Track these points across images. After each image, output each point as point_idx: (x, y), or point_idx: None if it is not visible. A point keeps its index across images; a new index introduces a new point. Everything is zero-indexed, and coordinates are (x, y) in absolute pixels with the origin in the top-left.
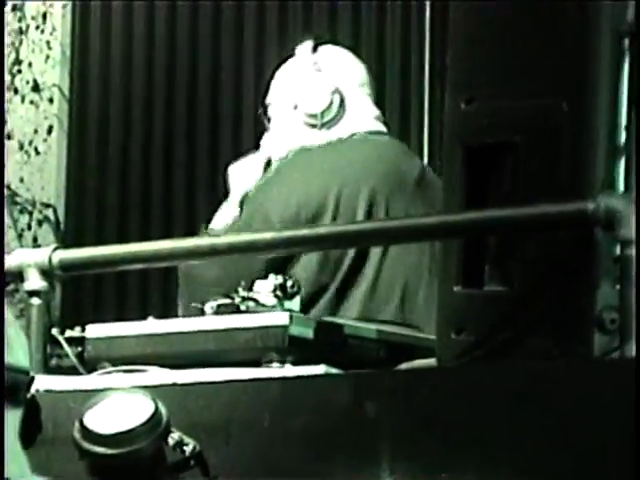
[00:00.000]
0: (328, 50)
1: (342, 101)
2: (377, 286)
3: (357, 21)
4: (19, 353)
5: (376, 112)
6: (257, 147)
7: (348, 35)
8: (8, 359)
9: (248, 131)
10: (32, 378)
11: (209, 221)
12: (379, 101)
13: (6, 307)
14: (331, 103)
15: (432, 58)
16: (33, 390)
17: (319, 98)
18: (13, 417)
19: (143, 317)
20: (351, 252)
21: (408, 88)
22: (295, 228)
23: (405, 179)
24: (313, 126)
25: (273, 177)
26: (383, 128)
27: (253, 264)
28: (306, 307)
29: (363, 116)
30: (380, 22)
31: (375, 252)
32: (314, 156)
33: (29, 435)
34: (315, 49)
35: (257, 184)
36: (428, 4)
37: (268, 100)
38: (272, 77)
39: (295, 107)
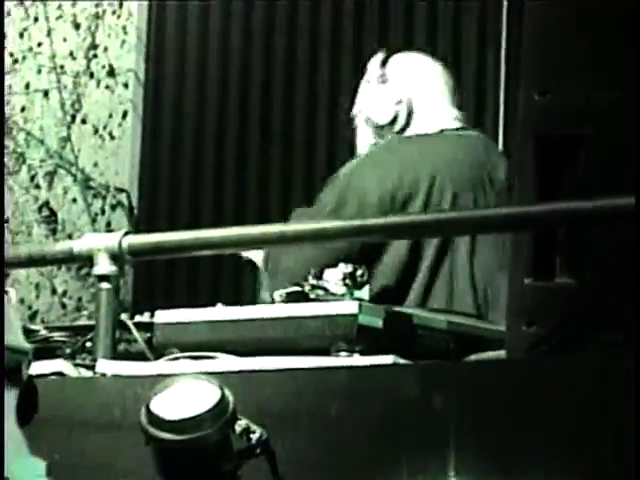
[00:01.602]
0: (399, 60)
1: (410, 110)
2: (456, 279)
3: (434, 19)
4: (18, 333)
5: (455, 113)
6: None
7: (424, 33)
8: (10, 339)
9: (322, 120)
10: (30, 358)
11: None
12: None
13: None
14: (397, 114)
15: (508, 54)
16: (101, 371)
17: (384, 110)
18: (15, 396)
19: (214, 303)
20: (434, 243)
21: (484, 86)
22: (387, 213)
23: (492, 177)
24: (382, 137)
25: (366, 160)
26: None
27: (334, 252)
28: (397, 298)
29: (439, 118)
30: (457, 18)
31: (457, 244)
32: (407, 144)
33: (26, 414)
34: (385, 61)
35: (348, 166)
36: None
37: (353, 112)
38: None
39: (367, 120)
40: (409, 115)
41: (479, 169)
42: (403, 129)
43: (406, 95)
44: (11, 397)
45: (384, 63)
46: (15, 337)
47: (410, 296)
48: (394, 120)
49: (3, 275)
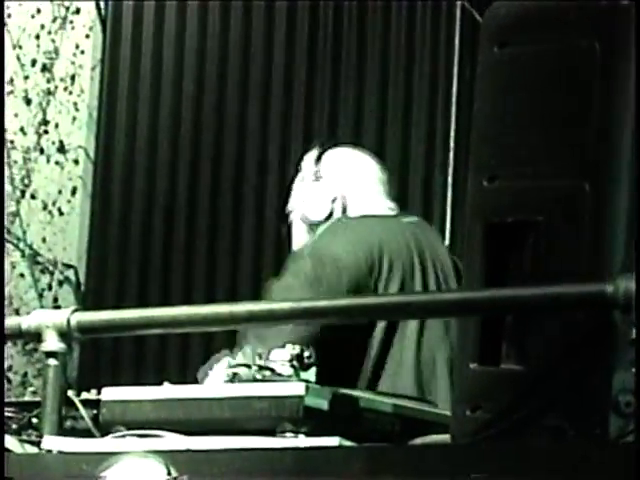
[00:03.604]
0: (332, 156)
1: (345, 206)
2: (405, 355)
3: (384, 101)
4: None
5: (389, 204)
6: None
7: (375, 113)
8: None
9: (271, 209)
10: None
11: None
12: (403, 179)
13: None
14: (332, 211)
15: (457, 136)
16: (47, 447)
17: (319, 207)
18: None
19: (160, 382)
20: (381, 324)
21: (432, 167)
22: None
23: (434, 259)
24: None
25: (331, 229)
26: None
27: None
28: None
29: (374, 209)
30: (407, 98)
31: (412, 328)
32: (360, 220)
33: None
34: (319, 158)
35: (315, 238)
36: (455, 85)
37: (288, 207)
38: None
39: (302, 217)
40: (344, 211)
41: (419, 251)
42: None
43: (340, 191)
44: None
45: (318, 160)
46: None
47: (362, 375)
48: (329, 216)
49: (3, 276)
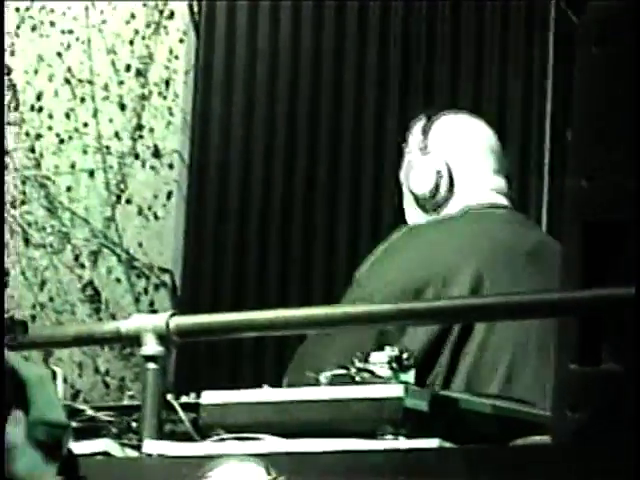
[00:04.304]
0: (441, 127)
1: (451, 180)
2: (482, 362)
3: (478, 101)
4: (59, 409)
5: (494, 183)
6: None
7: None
8: (51, 416)
9: (367, 189)
10: (70, 433)
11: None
12: None
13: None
14: (437, 185)
15: (553, 134)
16: (147, 451)
17: (424, 182)
18: (54, 471)
19: (257, 385)
20: (456, 327)
21: (528, 164)
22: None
23: (514, 253)
24: (423, 208)
25: (379, 258)
26: (501, 200)
27: (364, 342)
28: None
29: (477, 190)
30: (501, 99)
31: (480, 328)
32: (419, 236)
33: None
34: (427, 128)
35: (365, 265)
36: (550, 85)
37: (400, 179)
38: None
39: (409, 190)
40: (450, 185)
41: (501, 250)
42: (442, 200)
43: (446, 166)
44: (51, 472)
45: (425, 131)
46: (56, 413)
47: (433, 377)
48: (435, 191)
49: (3, 275)
